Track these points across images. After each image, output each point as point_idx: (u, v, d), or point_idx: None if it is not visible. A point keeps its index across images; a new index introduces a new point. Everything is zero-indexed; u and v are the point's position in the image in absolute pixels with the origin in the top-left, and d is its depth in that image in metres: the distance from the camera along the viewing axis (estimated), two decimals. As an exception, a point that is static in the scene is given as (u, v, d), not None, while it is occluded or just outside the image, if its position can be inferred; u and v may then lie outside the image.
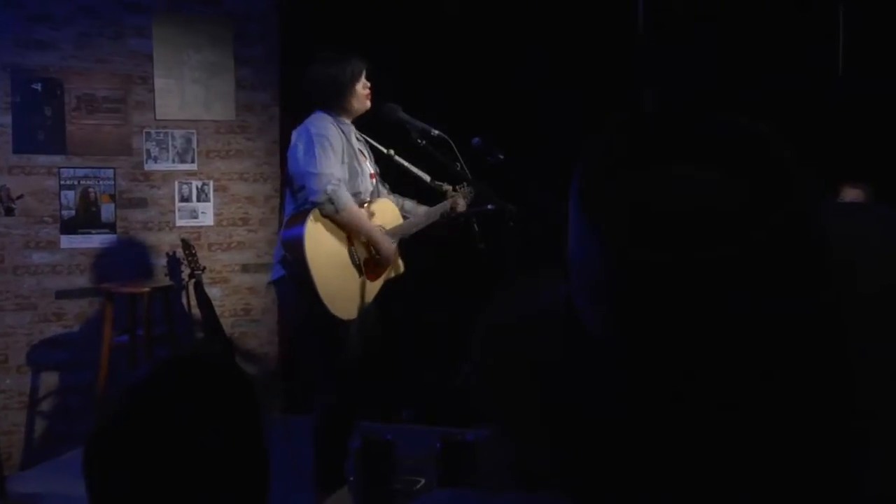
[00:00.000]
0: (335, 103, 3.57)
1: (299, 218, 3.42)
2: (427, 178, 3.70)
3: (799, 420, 0.62)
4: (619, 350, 0.66)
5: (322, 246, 3.41)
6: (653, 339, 0.63)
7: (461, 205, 3.67)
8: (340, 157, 3.47)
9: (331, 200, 3.36)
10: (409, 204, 3.86)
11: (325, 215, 3.41)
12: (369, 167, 3.70)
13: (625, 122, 0.69)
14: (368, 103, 3.63)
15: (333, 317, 3.40)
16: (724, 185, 0.63)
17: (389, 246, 3.63)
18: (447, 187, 3.71)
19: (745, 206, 0.62)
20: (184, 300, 5.10)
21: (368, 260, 3.62)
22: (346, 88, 3.54)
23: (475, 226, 3.53)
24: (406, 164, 3.68)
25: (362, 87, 3.59)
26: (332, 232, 3.47)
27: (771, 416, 0.62)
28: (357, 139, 3.69)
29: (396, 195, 3.86)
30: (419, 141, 3.44)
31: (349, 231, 3.53)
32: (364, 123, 3.75)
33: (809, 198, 0.62)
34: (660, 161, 0.66)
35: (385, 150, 3.70)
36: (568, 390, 0.70)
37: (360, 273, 3.56)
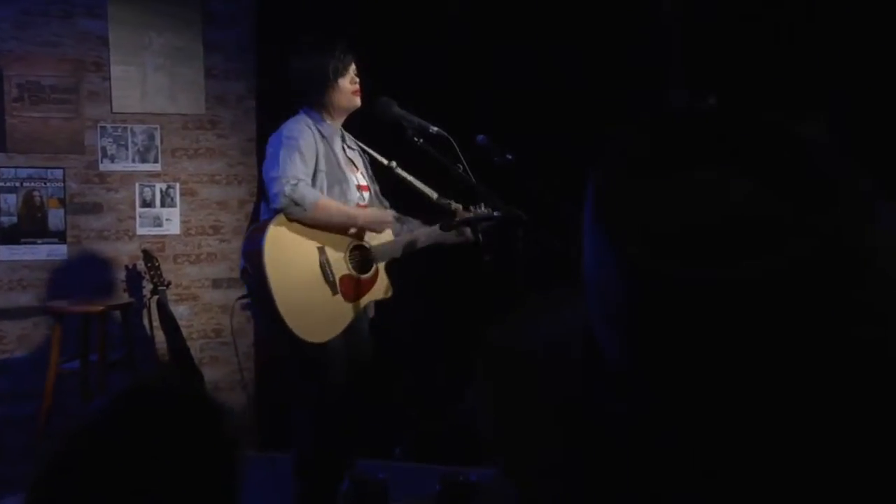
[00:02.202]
0: (317, 101, 3.58)
1: (262, 226, 3.44)
2: (434, 194, 3.67)
3: (841, 463, 0.63)
4: (641, 384, 0.66)
5: (286, 258, 3.40)
6: (678, 369, 0.64)
7: (468, 233, 3.64)
8: (312, 161, 3.48)
9: (294, 202, 3.37)
10: (411, 224, 3.84)
11: (293, 220, 3.42)
12: (359, 178, 3.70)
13: (647, 122, 0.70)
14: (358, 101, 3.63)
15: (302, 339, 3.40)
16: (758, 193, 0.64)
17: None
18: (456, 206, 3.69)
19: (781, 218, 0.62)
20: (145, 320, 5.11)
21: (346, 277, 3.60)
22: (329, 84, 3.55)
23: (479, 235, 3.53)
24: (409, 178, 3.67)
25: (349, 83, 3.59)
26: (300, 242, 3.46)
27: (811, 459, 0.63)
28: (349, 147, 3.70)
29: (396, 212, 3.85)
30: (416, 139, 3.43)
31: (327, 232, 3.51)
32: (363, 132, 3.75)
33: (858, 209, 0.62)
34: (685, 166, 0.67)
35: (386, 162, 3.69)
36: (585, 430, 0.70)
37: (335, 291, 3.53)
